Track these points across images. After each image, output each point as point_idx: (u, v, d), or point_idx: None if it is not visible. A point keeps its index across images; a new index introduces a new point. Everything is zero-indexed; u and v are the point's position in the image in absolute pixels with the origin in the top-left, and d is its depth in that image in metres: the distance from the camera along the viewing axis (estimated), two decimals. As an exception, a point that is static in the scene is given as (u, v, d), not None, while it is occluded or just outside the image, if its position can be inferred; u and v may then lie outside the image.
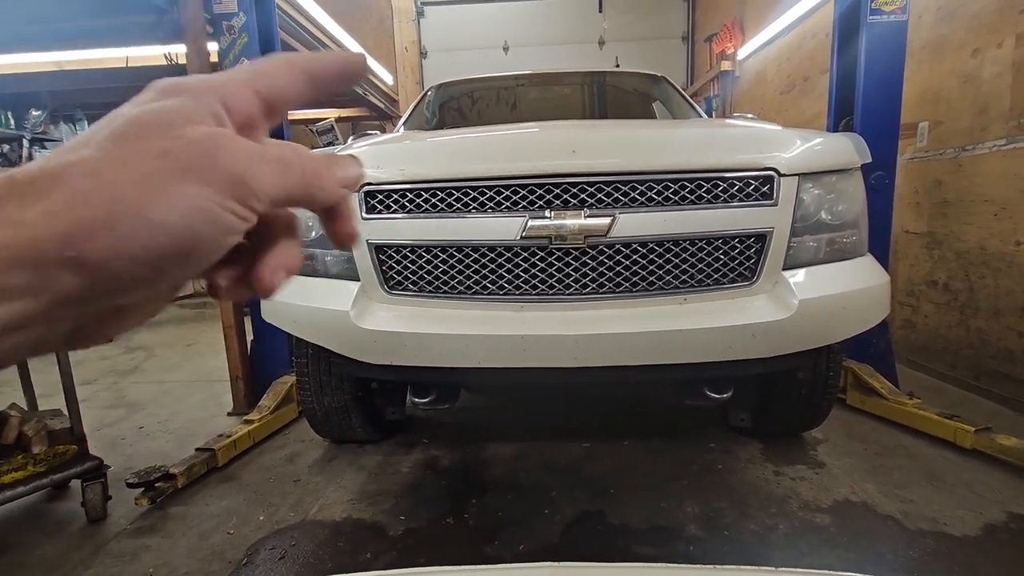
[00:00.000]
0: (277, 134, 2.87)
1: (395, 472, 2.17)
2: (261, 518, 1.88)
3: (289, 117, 3.07)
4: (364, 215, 1.62)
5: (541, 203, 1.54)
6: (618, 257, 1.56)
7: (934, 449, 2.18)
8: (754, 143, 1.63)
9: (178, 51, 3.60)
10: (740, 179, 1.54)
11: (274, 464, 2.29)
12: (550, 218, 1.52)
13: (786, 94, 5.01)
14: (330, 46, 5.18)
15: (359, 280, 1.67)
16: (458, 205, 1.57)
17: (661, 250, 1.56)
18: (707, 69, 6.94)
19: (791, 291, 1.55)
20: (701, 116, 2.97)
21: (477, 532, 1.77)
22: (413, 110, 3.17)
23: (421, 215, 1.59)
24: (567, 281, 1.57)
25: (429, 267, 1.62)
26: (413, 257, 1.63)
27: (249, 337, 2.89)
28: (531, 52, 7.86)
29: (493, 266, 1.59)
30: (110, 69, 4.27)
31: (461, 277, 1.61)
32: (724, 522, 1.76)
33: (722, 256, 1.57)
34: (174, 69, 3.65)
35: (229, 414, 2.86)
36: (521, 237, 1.53)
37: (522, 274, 1.58)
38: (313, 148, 2.40)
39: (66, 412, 1.99)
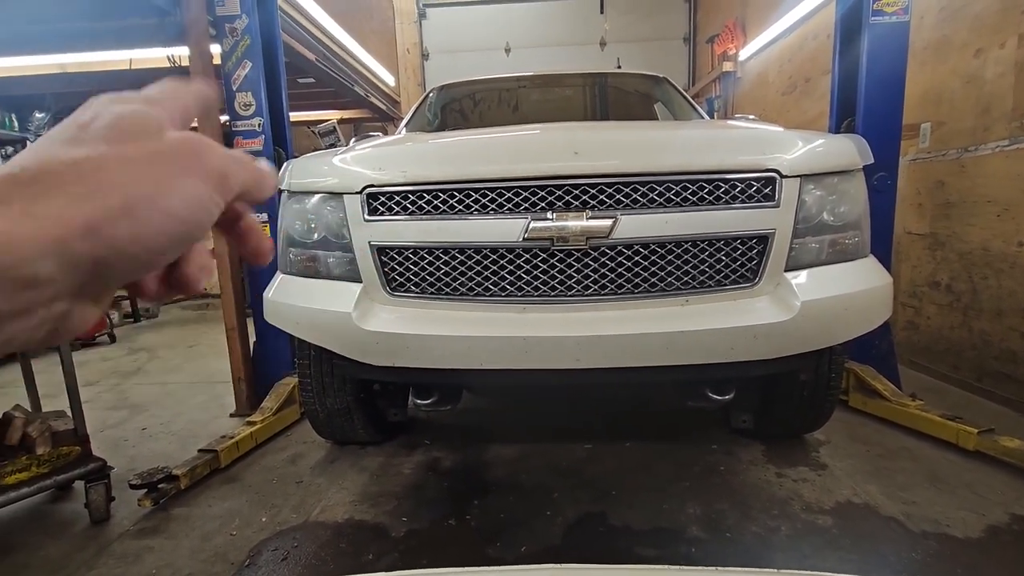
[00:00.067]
0: (278, 134, 2.88)
1: (397, 473, 2.17)
2: (263, 519, 1.88)
3: (291, 119, 3.06)
4: (366, 217, 1.62)
5: (543, 204, 1.54)
6: (620, 258, 1.56)
7: (937, 451, 2.17)
8: (756, 144, 1.63)
9: (181, 53, 3.61)
10: (742, 180, 1.54)
11: (276, 465, 2.29)
12: (552, 220, 1.52)
13: (788, 95, 5.01)
14: (332, 47, 5.20)
15: (361, 282, 1.67)
16: (460, 207, 1.57)
17: (663, 251, 1.56)
18: (709, 70, 6.94)
19: (793, 292, 1.55)
20: (703, 117, 2.97)
21: (479, 533, 1.77)
22: (415, 112, 3.17)
23: (423, 217, 1.59)
24: (569, 283, 1.57)
25: (431, 268, 1.63)
26: (415, 259, 1.63)
27: (251, 339, 2.90)
28: (533, 53, 7.86)
29: (495, 268, 1.59)
30: (113, 71, 4.28)
31: (463, 279, 1.61)
32: (726, 524, 1.76)
33: (724, 257, 1.57)
34: (177, 71, 3.66)
35: (231, 415, 2.86)
36: (523, 239, 1.53)
37: (524, 275, 1.58)
38: (315, 150, 2.40)
39: (70, 413, 2.00)
